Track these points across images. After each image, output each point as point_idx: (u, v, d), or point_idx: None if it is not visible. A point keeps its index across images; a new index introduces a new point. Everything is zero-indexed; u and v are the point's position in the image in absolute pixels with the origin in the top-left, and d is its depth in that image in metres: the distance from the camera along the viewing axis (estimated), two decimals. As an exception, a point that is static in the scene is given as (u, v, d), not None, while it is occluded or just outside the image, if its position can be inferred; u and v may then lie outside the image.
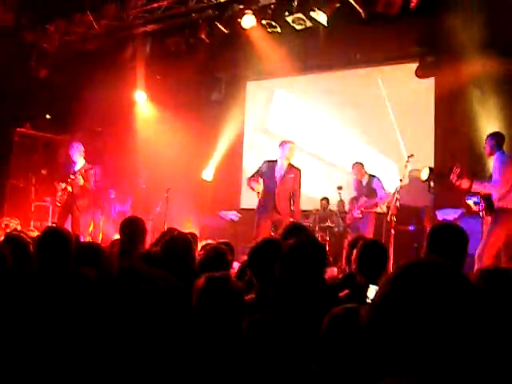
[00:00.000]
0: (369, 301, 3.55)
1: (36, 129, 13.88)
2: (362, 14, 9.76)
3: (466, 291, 1.41)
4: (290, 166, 9.00)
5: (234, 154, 13.22)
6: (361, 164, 10.33)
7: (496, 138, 7.74)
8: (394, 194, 8.95)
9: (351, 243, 5.23)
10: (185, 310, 2.82)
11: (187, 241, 4.30)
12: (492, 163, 7.74)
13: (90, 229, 11.44)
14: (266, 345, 2.85)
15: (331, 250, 10.85)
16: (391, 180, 10.38)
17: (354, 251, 4.37)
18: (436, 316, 1.37)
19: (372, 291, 3.46)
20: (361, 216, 10.09)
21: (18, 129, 13.48)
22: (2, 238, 5.14)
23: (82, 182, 10.18)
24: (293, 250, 3.21)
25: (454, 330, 1.37)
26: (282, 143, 9.11)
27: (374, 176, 10.24)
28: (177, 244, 4.10)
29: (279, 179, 8.91)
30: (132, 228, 5.42)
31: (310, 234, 4.03)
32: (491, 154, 7.73)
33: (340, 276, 8.08)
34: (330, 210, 11.56)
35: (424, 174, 8.90)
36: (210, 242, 5.56)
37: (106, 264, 3.98)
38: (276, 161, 9.05)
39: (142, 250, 5.28)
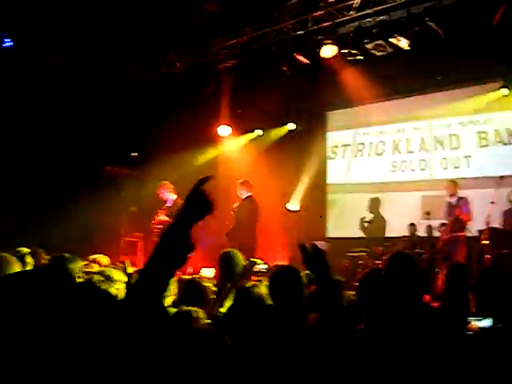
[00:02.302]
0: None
1: (123, 166, 14.25)
2: (442, 36, 9.62)
3: None
4: None
5: (318, 183, 13.20)
6: (453, 181, 10.15)
7: None
8: (487, 217, 8.77)
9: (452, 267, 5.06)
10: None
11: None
12: None
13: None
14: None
15: (422, 276, 10.63)
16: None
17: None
18: None
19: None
20: (449, 236, 9.89)
21: (107, 167, 13.88)
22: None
23: (163, 218, 10.50)
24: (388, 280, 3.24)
25: None
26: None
27: (463, 197, 10.04)
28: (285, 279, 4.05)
29: None
30: (229, 263, 5.45)
31: (415, 263, 3.94)
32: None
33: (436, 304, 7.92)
34: (418, 236, 11.35)
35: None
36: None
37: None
38: None
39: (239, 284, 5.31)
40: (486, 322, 3.50)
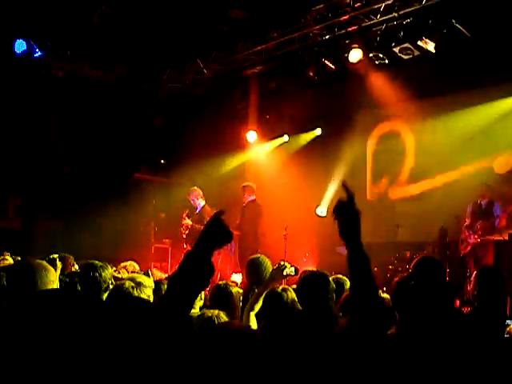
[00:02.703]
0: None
1: (151, 173, 14.34)
2: (469, 37, 9.51)
3: None
4: None
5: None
6: (487, 185, 10.01)
7: None
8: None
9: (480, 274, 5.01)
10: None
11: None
12: None
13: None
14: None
15: (451, 281, 10.51)
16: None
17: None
18: None
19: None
20: (479, 241, 9.75)
21: (136, 174, 13.98)
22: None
23: (189, 223, 10.62)
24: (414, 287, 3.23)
25: None
26: None
27: (495, 200, 9.89)
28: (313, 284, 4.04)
29: None
30: (256, 269, 5.45)
31: (443, 267, 3.93)
32: None
33: (465, 309, 7.84)
34: (448, 240, 11.21)
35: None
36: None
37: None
38: None
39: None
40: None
